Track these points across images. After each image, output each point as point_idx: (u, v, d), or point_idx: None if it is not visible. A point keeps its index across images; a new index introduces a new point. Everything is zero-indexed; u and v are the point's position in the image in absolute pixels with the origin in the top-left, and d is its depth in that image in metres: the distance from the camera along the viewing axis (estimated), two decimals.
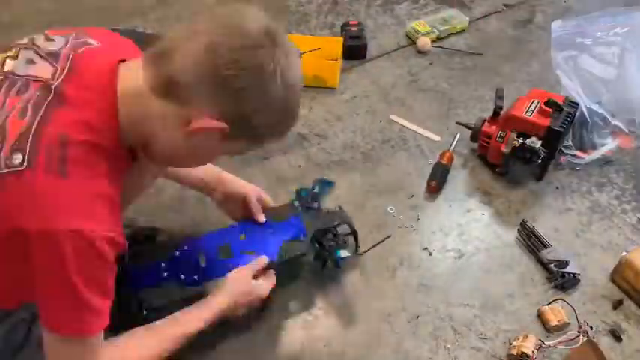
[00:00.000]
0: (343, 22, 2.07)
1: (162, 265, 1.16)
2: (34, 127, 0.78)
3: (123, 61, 0.88)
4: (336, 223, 1.31)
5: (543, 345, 1.21)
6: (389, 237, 1.43)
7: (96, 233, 0.79)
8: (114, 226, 0.83)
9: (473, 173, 1.64)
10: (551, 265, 1.35)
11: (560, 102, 1.49)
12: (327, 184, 1.52)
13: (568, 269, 1.34)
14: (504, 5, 2.32)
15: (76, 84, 0.83)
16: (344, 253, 1.27)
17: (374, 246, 1.39)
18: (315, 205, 1.38)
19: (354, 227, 1.33)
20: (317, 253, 1.29)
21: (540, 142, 1.46)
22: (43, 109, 0.80)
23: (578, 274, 1.34)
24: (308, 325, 1.25)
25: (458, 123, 1.69)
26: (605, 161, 1.66)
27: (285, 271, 1.25)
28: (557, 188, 1.60)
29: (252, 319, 1.22)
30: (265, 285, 1.17)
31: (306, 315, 1.27)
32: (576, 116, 1.55)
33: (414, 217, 1.50)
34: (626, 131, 1.65)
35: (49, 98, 0.81)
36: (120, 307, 0.92)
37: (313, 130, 1.71)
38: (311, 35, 2.06)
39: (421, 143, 1.71)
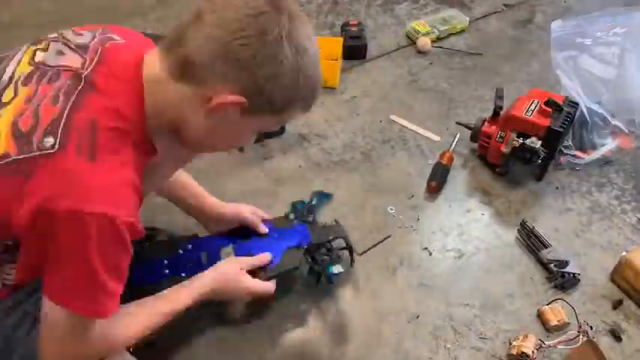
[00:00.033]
0: (343, 22, 2.07)
1: (165, 262, 1.16)
2: (65, 112, 0.81)
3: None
4: (331, 237, 1.29)
5: (543, 345, 1.21)
6: (389, 237, 1.43)
7: (120, 218, 0.81)
8: (135, 212, 0.85)
9: (473, 173, 1.64)
10: (551, 265, 1.35)
11: (560, 102, 1.49)
12: (324, 197, 1.50)
13: (568, 269, 1.34)
14: (504, 5, 2.32)
15: (104, 74, 0.86)
16: (336, 268, 1.25)
17: (374, 246, 1.39)
18: (311, 217, 1.37)
19: (350, 242, 1.30)
20: (310, 268, 1.27)
21: (540, 142, 1.46)
22: (74, 95, 0.83)
23: (578, 274, 1.34)
24: (308, 325, 1.25)
25: (458, 123, 1.69)
26: (605, 161, 1.66)
27: (279, 283, 1.22)
28: (557, 188, 1.60)
29: (247, 315, 1.23)
30: (260, 283, 1.16)
31: (306, 315, 1.27)
32: (576, 116, 1.55)
33: (414, 217, 1.50)
34: (626, 131, 1.65)
35: (80, 86, 0.84)
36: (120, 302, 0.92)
37: (313, 130, 1.71)
38: None
39: (421, 143, 1.71)
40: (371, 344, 1.23)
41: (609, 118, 1.61)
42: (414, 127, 1.75)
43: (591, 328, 1.27)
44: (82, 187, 0.79)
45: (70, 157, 0.79)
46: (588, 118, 1.60)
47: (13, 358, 0.93)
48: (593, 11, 1.75)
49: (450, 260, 1.41)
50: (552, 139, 1.47)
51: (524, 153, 1.47)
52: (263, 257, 1.19)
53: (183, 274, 1.15)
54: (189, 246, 1.22)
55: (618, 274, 1.35)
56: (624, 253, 1.35)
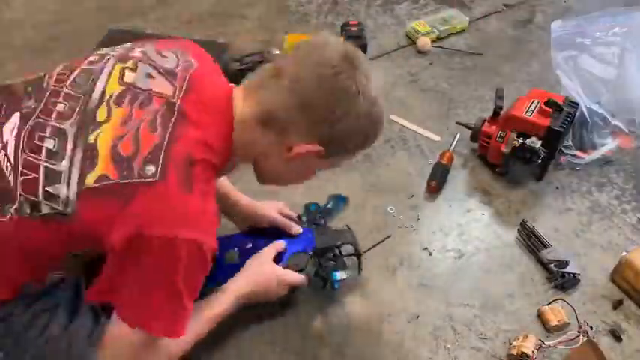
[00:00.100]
0: (343, 22, 2.07)
1: None
2: (165, 143, 0.85)
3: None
4: (339, 242, 1.29)
5: (543, 345, 1.21)
6: (389, 237, 1.43)
7: (207, 244, 0.86)
8: (215, 237, 0.90)
9: (473, 173, 1.64)
10: (551, 265, 1.35)
11: (560, 102, 1.49)
12: (341, 200, 1.50)
13: (568, 269, 1.34)
14: (504, 5, 2.32)
15: (195, 104, 0.91)
16: (340, 274, 1.25)
17: (374, 246, 1.39)
18: (322, 221, 1.37)
19: (359, 248, 1.29)
20: (316, 272, 1.27)
21: (540, 142, 1.46)
22: (170, 126, 0.87)
23: (578, 274, 1.34)
24: (308, 326, 1.25)
25: (458, 123, 1.69)
26: (605, 161, 1.66)
27: None
28: (557, 188, 1.60)
29: (279, 307, 1.25)
30: (295, 274, 1.18)
31: (307, 315, 1.27)
32: (576, 116, 1.55)
33: (414, 217, 1.50)
34: (626, 131, 1.65)
35: (174, 117, 0.88)
36: None
37: None
38: (311, 35, 2.06)
39: (421, 143, 1.71)
40: (371, 344, 1.23)
41: (609, 118, 1.61)
42: (414, 127, 1.75)
43: (591, 328, 1.27)
44: (179, 216, 0.84)
45: (170, 187, 0.83)
46: (588, 118, 1.60)
47: (25, 358, 0.94)
48: (593, 11, 1.75)
49: (450, 260, 1.41)
50: (552, 139, 1.47)
51: (524, 153, 1.47)
52: (277, 245, 1.21)
53: None
54: None
55: (618, 274, 1.35)
56: (624, 253, 1.35)
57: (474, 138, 1.63)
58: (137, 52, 0.96)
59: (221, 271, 1.18)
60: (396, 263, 1.39)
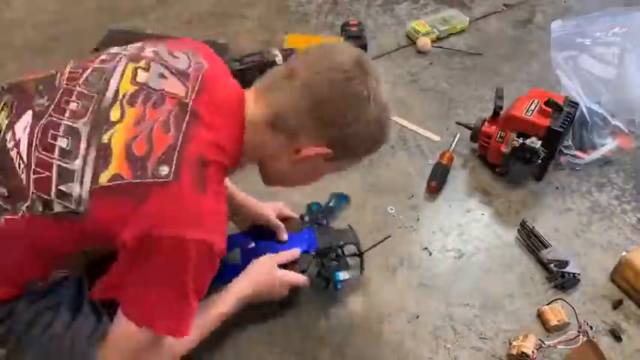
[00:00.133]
0: (343, 22, 2.07)
1: None
2: (178, 143, 0.86)
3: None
4: (342, 243, 1.29)
5: (543, 345, 1.21)
6: (389, 237, 1.42)
7: (216, 245, 0.87)
8: (225, 238, 0.90)
9: (473, 173, 1.64)
10: (551, 265, 1.35)
11: (560, 102, 1.49)
12: (343, 199, 1.50)
13: (568, 269, 1.34)
14: (504, 5, 2.32)
15: (207, 105, 0.92)
16: (343, 275, 1.25)
17: (374, 246, 1.39)
18: (324, 221, 1.37)
19: (361, 249, 1.30)
20: (319, 272, 1.27)
21: (540, 142, 1.46)
22: (184, 127, 0.88)
23: (578, 274, 1.34)
24: (308, 326, 1.25)
25: (458, 123, 1.69)
26: (605, 161, 1.66)
27: None
28: (557, 188, 1.60)
29: (279, 307, 1.24)
30: (296, 275, 1.19)
31: (307, 315, 1.27)
32: (576, 116, 1.55)
33: (414, 217, 1.50)
34: (626, 131, 1.65)
35: (187, 117, 0.89)
36: None
37: None
38: (311, 35, 2.06)
39: (421, 143, 1.71)
40: (371, 344, 1.23)
41: (609, 118, 1.61)
42: (414, 127, 1.75)
43: (591, 328, 1.27)
44: (191, 216, 0.85)
45: (184, 187, 0.84)
46: (588, 118, 1.60)
47: (28, 355, 0.95)
48: (593, 11, 1.75)
49: (450, 260, 1.41)
50: (552, 139, 1.47)
51: (524, 153, 1.47)
52: (293, 252, 1.22)
53: None
54: None
55: (618, 274, 1.35)
56: (624, 253, 1.35)
57: (474, 138, 1.63)
58: (149, 52, 0.96)
59: (223, 271, 1.18)
60: (396, 263, 1.39)
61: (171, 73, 0.93)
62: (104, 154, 0.84)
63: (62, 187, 0.84)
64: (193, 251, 0.84)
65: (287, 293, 1.19)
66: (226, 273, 1.16)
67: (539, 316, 1.28)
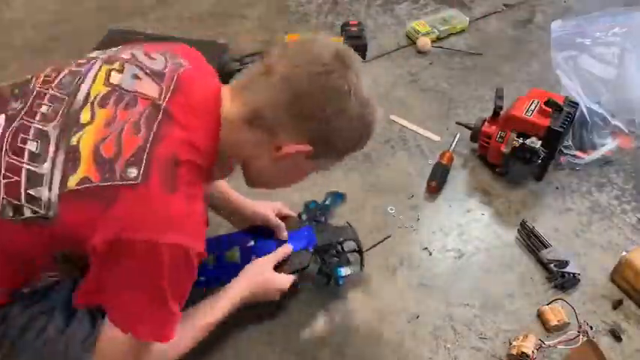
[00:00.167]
0: (343, 22, 2.07)
1: None
2: (148, 144, 0.83)
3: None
4: (341, 239, 1.29)
5: (543, 345, 1.21)
6: (389, 237, 1.43)
7: (193, 250, 0.84)
8: (203, 241, 0.88)
9: (473, 173, 1.64)
10: (551, 265, 1.35)
11: (560, 102, 1.49)
12: (338, 197, 1.50)
13: (568, 269, 1.34)
14: (504, 5, 2.32)
15: (182, 105, 0.89)
16: (345, 271, 1.25)
17: (374, 246, 1.40)
18: (322, 219, 1.37)
19: (361, 245, 1.29)
20: (320, 269, 1.27)
21: (540, 142, 1.46)
22: (154, 127, 0.85)
23: (578, 274, 1.34)
24: (308, 326, 1.25)
25: (458, 123, 1.69)
26: (605, 161, 1.66)
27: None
28: (557, 188, 1.60)
29: (271, 308, 1.24)
30: (286, 278, 1.18)
31: (307, 315, 1.27)
32: (576, 116, 1.55)
33: (414, 217, 1.50)
34: (626, 131, 1.65)
35: (159, 117, 0.86)
36: None
37: None
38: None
39: (421, 143, 1.71)
40: (371, 344, 1.23)
41: (609, 118, 1.61)
42: (414, 127, 1.75)
43: (591, 328, 1.27)
44: (161, 219, 0.81)
45: (152, 189, 0.81)
46: (588, 118, 1.60)
47: None
48: (593, 11, 1.75)
49: (450, 260, 1.41)
50: (552, 139, 1.47)
51: (524, 153, 1.47)
52: (285, 250, 1.21)
53: None
54: None
55: (618, 274, 1.35)
56: (624, 253, 1.35)
57: (474, 138, 1.63)
58: (125, 54, 0.95)
59: (222, 271, 1.18)
60: (396, 263, 1.39)
61: (146, 74, 0.91)
62: (73, 157, 0.82)
63: (31, 192, 0.82)
64: (167, 255, 0.82)
65: (278, 297, 1.19)
66: (226, 272, 1.16)
67: (539, 316, 1.28)
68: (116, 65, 0.92)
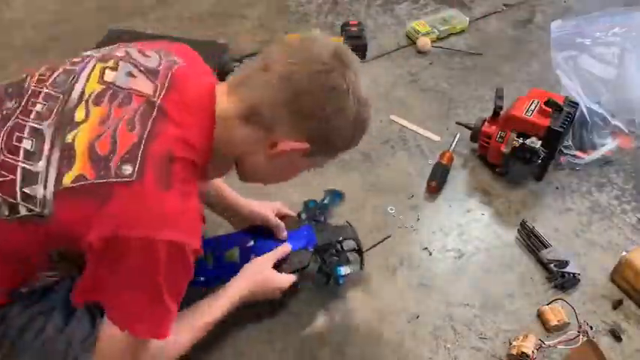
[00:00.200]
0: (343, 22, 2.07)
1: None
2: (143, 141, 0.83)
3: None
4: (341, 238, 1.29)
5: (543, 345, 1.21)
6: (389, 237, 1.43)
7: (189, 246, 0.84)
8: (199, 238, 0.88)
9: (473, 173, 1.64)
10: (551, 265, 1.35)
11: (560, 102, 1.49)
12: (337, 196, 1.50)
13: (568, 269, 1.34)
14: (504, 5, 2.32)
15: (176, 102, 0.88)
16: (345, 270, 1.25)
17: (374, 246, 1.39)
18: (322, 218, 1.37)
19: (360, 244, 1.30)
20: (320, 268, 1.27)
21: (540, 142, 1.46)
22: (149, 124, 0.85)
23: (578, 274, 1.34)
24: (308, 325, 1.25)
25: (458, 123, 1.69)
26: (605, 161, 1.66)
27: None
28: (557, 188, 1.60)
29: (271, 307, 1.24)
30: (285, 278, 1.18)
31: (307, 315, 1.27)
32: (576, 116, 1.55)
33: (414, 217, 1.50)
34: (626, 131, 1.65)
35: (154, 114, 0.86)
36: None
37: None
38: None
39: (421, 143, 1.71)
40: (371, 344, 1.23)
41: (609, 118, 1.61)
42: (414, 127, 1.75)
43: (591, 328, 1.27)
44: (155, 216, 0.81)
45: (147, 186, 0.81)
46: (588, 118, 1.60)
47: None
48: (593, 11, 1.75)
49: (450, 260, 1.41)
50: (552, 139, 1.47)
51: (524, 153, 1.47)
52: (284, 249, 1.21)
53: None
54: None
55: (618, 274, 1.35)
56: (624, 253, 1.35)
57: (474, 138, 1.63)
58: (119, 52, 0.95)
59: (222, 270, 1.18)
60: (396, 263, 1.39)
61: (140, 71, 0.91)
62: (68, 155, 0.82)
63: (26, 190, 0.82)
64: (163, 252, 0.82)
65: (278, 296, 1.19)
66: (225, 272, 1.16)
67: (539, 316, 1.28)
68: (110, 63, 0.92)
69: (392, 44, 2.08)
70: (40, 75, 0.92)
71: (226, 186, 1.28)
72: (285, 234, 1.28)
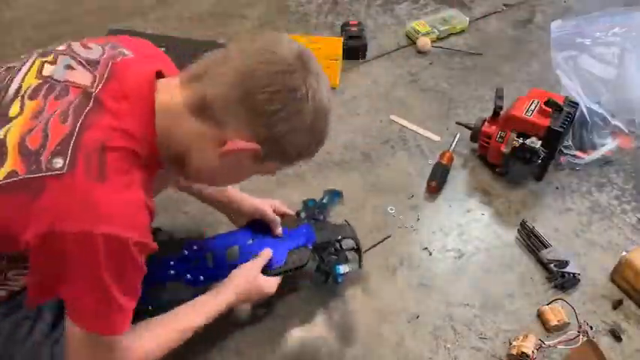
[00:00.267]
0: (343, 22, 2.07)
1: (171, 263, 1.16)
2: (75, 132, 0.80)
3: (159, 72, 0.91)
4: (340, 237, 1.29)
5: (543, 345, 1.21)
6: (389, 237, 1.43)
7: (131, 239, 0.81)
8: (145, 231, 0.85)
9: (473, 173, 1.64)
10: (551, 265, 1.35)
11: (560, 102, 1.49)
12: (336, 195, 1.50)
13: (568, 269, 1.34)
14: (504, 5, 2.32)
15: (114, 92, 0.86)
16: (343, 268, 1.25)
17: (374, 246, 1.40)
18: (321, 217, 1.37)
19: (359, 243, 1.30)
20: (318, 266, 1.27)
21: (540, 142, 1.46)
22: (83, 115, 0.82)
23: (578, 274, 1.34)
24: (308, 325, 1.25)
25: (458, 123, 1.69)
26: (605, 161, 1.66)
27: (285, 282, 1.22)
28: (557, 188, 1.60)
29: (255, 314, 1.23)
30: (271, 283, 1.17)
31: (306, 315, 1.27)
32: (576, 116, 1.55)
33: (414, 217, 1.50)
34: (626, 131, 1.65)
35: (89, 105, 0.83)
36: None
37: None
38: (311, 35, 2.06)
39: (421, 143, 1.71)
40: (371, 344, 1.23)
41: (609, 118, 1.61)
42: (414, 127, 1.75)
43: (591, 328, 1.27)
44: (91, 209, 0.78)
45: (78, 178, 0.78)
46: (588, 118, 1.60)
47: None
48: (593, 11, 1.75)
49: (450, 260, 1.41)
50: (552, 139, 1.47)
51: (524, 153, 1.47)
52: (266, 254, 1.20)
53: (188, 276, 1.15)
54: (195, 246, 1.21)
55: (618, 274, 1.35)
56: (624, 253, 1.35)
57: (474, 138, 1.63)
58: (62, 47, 0.93)
59: (221, 270, 1.18)
60: (396, 263, 1.39)
61: (79, 63, 0.89)
62: (0, 152, 0.80)
63: None
64: (100, 245, 0.79)
65: (263, 301, 1.19)
66: (225, 271, 1.16)
67: (539, 316, 1.28)
68: (49, 57, 0.91)
69: (392, 44, 2.08)
70: None
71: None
72: (280, 230, 1.27)
